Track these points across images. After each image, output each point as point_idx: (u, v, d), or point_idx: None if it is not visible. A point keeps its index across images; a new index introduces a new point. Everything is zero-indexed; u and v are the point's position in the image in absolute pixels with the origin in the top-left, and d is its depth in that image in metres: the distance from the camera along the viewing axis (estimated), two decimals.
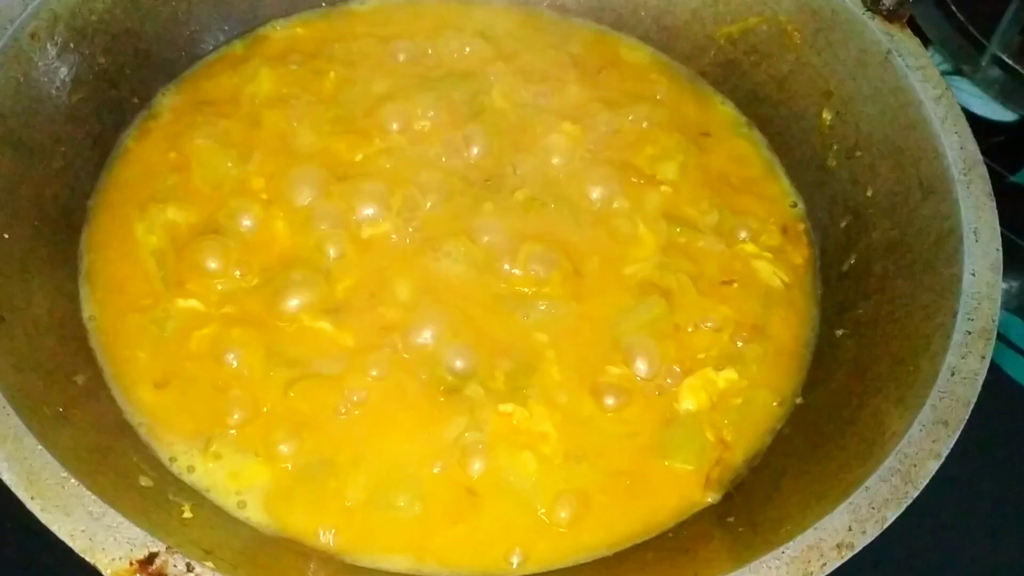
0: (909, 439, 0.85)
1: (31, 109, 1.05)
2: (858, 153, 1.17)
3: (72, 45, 1.11)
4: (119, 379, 0.98)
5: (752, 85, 1.30)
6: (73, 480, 0.75)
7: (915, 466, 0.83)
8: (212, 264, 1.06)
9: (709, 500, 0.97)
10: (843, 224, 1.16)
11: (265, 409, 0.98)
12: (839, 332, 1.09)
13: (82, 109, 1.12)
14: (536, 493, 0.96)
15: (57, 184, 1.07)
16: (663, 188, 1.20)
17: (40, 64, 1.07)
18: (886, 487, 0.82)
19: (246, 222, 1.10)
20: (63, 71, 1.09)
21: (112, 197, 1.12)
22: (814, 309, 1.14)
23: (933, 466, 0.83)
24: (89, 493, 0.75)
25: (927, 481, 0.82)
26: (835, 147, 1.20)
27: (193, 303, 1.03)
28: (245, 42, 1.31)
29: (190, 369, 0.99)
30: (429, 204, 1.14)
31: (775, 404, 1.05)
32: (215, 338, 1.01)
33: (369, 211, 1.12)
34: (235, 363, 1.00)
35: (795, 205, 1.23)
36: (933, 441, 0.85)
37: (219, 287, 1.05)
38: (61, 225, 1.06)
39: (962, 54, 1.65)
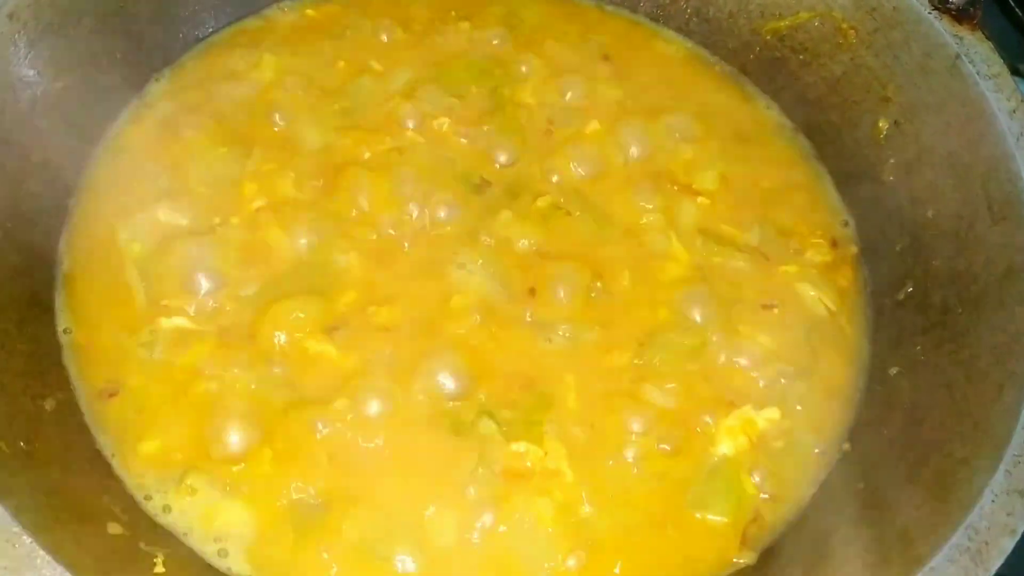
0: (980, 511, 0.74)
1: (8, 96, 0.95)
2: (918, 168, 1.05)
3: (56, 27, 1.00)
4: (93, 403, 0.89)
5: (801, 87, 1.19)
6: (26, 537, 0.66)
7: (987, 544, 0.73)
8: (201, 276, 0.96)
9: (744, 561, 0.87)
10: (899, 247, 1.05)
11: (253, 442, 0.88)
12: (892, 370, 0.98)
13: (66, 98, 1.01)
14: (550, 546, 0.86)
15: (35, 180, 0.97)
16: (700, 199, 1.10)
17: (20, 47, 0.96)
18: (953, 569, 0.71)
19: (240, 228, 1.00)
20: (45, 55, 0.99)
21: (96, 196, 1.02)
22: (864, 341, 1.03)
23: (1008, 544, 0.73)
24: (43, 552, 0.65)
25: (1001, 563, 0.72)
26: (892, 160, 1.08)
27: (179, 321, 0.94)
28: (249, 24, 1.20)
29: (171, 394, 0.90)
30: (442, 210, 1.04)
31: (818, 451, 0.95)
32: (201, 360, 0.92)
33: (377, 216, 1.02)
34: (222, 389, 0.90)
35: (845, 223, 1.12)
36: (1008, 514, 0.74)
37: (209, 303, 0.96)
38: (37, 227, 0.97)
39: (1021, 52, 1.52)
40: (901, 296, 1.03)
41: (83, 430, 0.86)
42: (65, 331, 0.93)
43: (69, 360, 0.91)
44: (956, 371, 0.90)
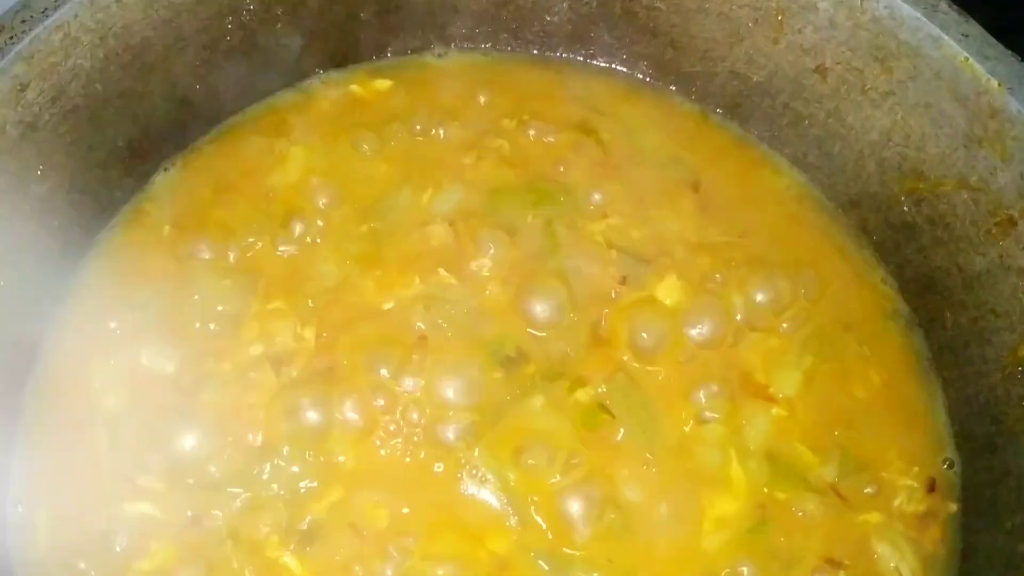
0: None
1: None
2: None
3: (46, 118, 0.85)
4: None
5: (930, 270, 0.96)
6: None
7: None
8: (178, 448, 0.84)
9: None
10: (1011, 524, 0.85)
11: None
12: None
13: (50, 201, 0.88)
14: None
15: (1, 307, 0.84)
16: (775, 411, 0.91)
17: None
18: None
19: (230, 383, 0.87)
20: (29, 152, 0.85)
21: (73, 326, 0.89)
22: None
23: None
24: None
25: None
26: None
27: (147, 508, 0.82)
28: (282, 99, 1.03)
29: None
30: (464, 392, 0.88)
31: None
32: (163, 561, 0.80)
33: (379, 402, 0.87)
34: None
35: (949, 464, 0.91)
36: None
37: (180, 485, 0.83)
38: (5, 368, 0.85)
39: None
40: None
41: None
42: (16, 503, 0.82)
43: (14, 543, 0.80)
44: None
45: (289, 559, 0.81)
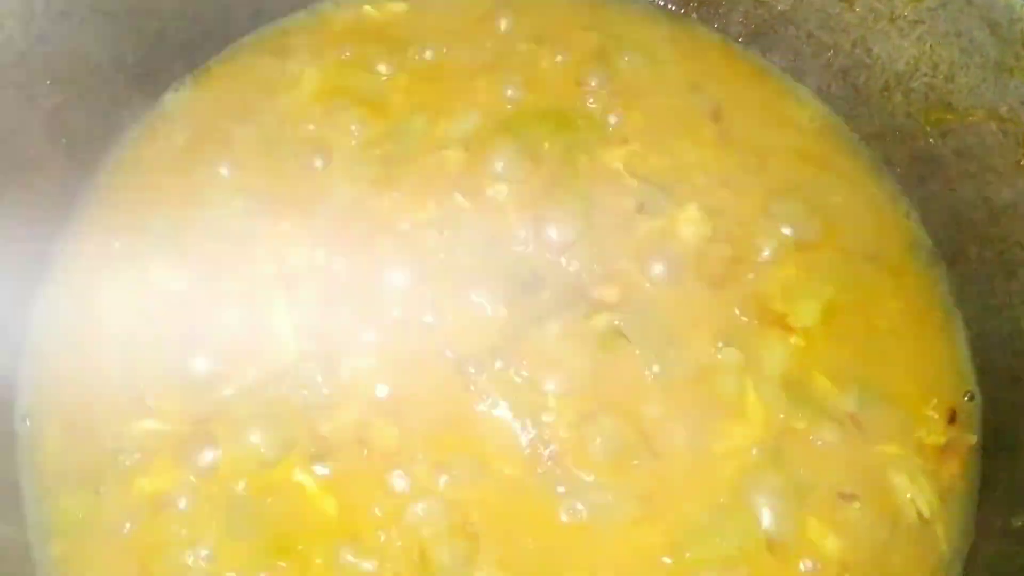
0: None
1: None
2: None
3: (55, 32, 0.83)
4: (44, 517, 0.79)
5: (955, 202, 0.94)
6: None
7: None
8: (191, 369, 0.83)
9: None
10: None
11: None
12: None
13: (63, 117, 0.86)
14: None
15: (9, 223, 0.83)
16: (793, 340, 0.89)
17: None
18: None
19: (236, 313, 0.86)
20: (36, 65, 0.83)
21: (82, 244, 0.88)
22: (955, 571, 0.84)
23: None
24: None
25: None
26: None
27: (154, 424, 0.81)
28: (296, 21, 1.00)
29: (132, 511, 0.79)
30: (479, 313, 0.87)
31: None
32: (167, 478, 0.80)
33: (395, 311, 0.86)
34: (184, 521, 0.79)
35: (970, 396, 0.90)
36: None
37: (189, 401, 0.82)
38: (10, 285, 0.84)
39: None
40: (1019, 523, 0.82)
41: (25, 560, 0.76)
42: (24, 419, 0.82)
43: (22, 457, 0.80)
44: None
45: (302, 476, 0.80)
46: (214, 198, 0.89)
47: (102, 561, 0.78)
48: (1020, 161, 0.88)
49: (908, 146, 0.97)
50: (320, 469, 0.81)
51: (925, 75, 0.94)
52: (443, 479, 0.81)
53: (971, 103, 0.91)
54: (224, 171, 0.91)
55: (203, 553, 0.78)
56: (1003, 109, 0.88)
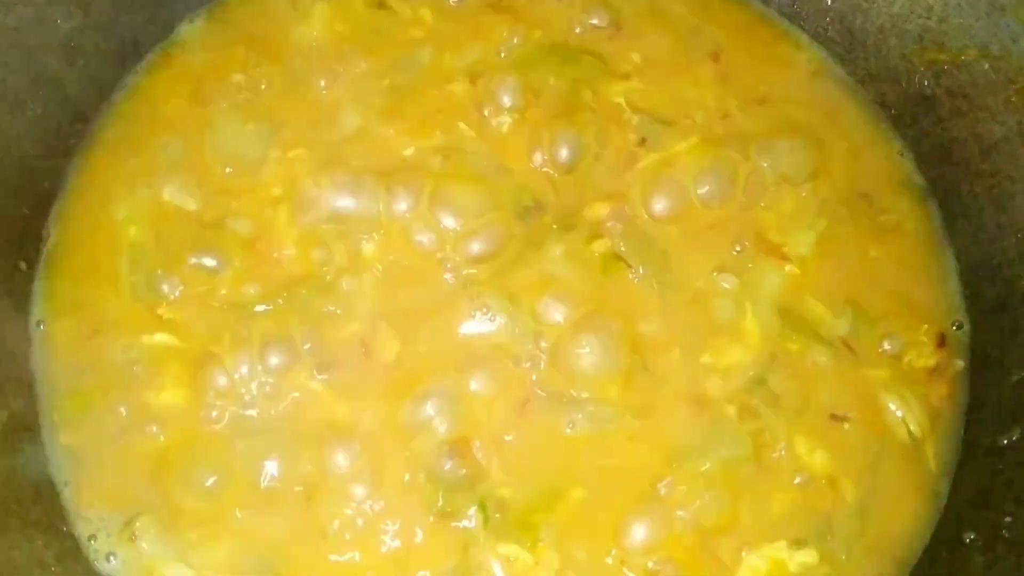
0: None
1: (6, 39, 0.82)
2: None
3: None
4: (56, 416, 0.81)
5: (947, 140, 0.96)
6: None
7: None
8: (202, 281, 0.85)
9: None
10: (1018, 378, 0.86)
11: (220, 499, 0.79)
12: (968, 536, 0.82)
13: (78, 40, 0.88)
14: None
15: (28, 138, 0.86)
16: (788, 268, 0.92)
17: None
18: None
19: (251, 222, 0.88)
20: None
21: (96, 161, 0.90)
22: (943, 487, 0.86)
23: None
24: None
25: None
26: None
27: (164, 337, 0.83)
28: None
29: (140, 419, 0.81)
30: (483, 232, 0.89)
31: None
32: (182, 391, 0.82)
33: (403, 223, 0.88)
34: (198, 432, 0.81)
35: (959, 325, 0.92)
36: None
37: (200, 310, 0.85)
38: (24, 193, 0.86)
39: None
40: (1004, 441, 0.85)
41: (37, 450, 0.78)
42: (38, 324, 0.84)
43: (36, 360, 0.82)
44: None
45: (311, 383, 0.83)
46: (226, 124, 0.92)
47: (110, 462, 0.80)
48: (1011, 98, 0.91)
49: (902, 87, 0.99)
50: (324, 378, 0.83)
51: (920, 17, 0.96)
52: (443, 390, 0.83)
53: (963, 43, 0.93)
54: (237, 99, 0.93)
55: (211, 476, 0.80)
56: (994, 48, 0.91)
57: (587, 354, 0.85)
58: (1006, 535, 0.79)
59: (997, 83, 0.91)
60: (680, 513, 0.81)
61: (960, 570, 0.80)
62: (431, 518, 0.79)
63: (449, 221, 0.89)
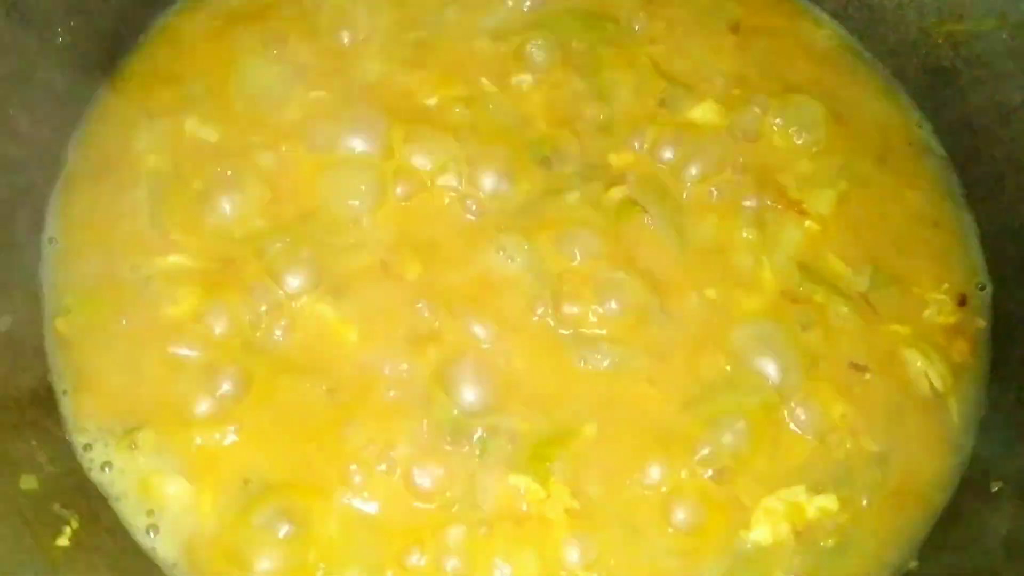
0: None
1: None
2: None
3: None
4: (61, 327, 0.80)
5: (967, 109, 0.97)
6: None
7: None
8: (216, 208, 0.85)
9: None
10: None
11: (224, 411, 0.77)
12: (995, 486, 0.79)
13: None
14: None
15: (55, 65, 0.86)
16: (808, 224, 0.91)
17: None
18: None
19: (271, 157, 0.88)
20: None
21: (121, 94, 0.91)
22: (967, 439, 0.84)
23: None
24: None
25: None
26: None
27: (178, 259, 0.83)
28: None
29: (151, 336, 0.80)
30: (497, 180, 0.89)
31: (878, 561, 0.78)
32: (192, 306, 0.81)
33: (424, 166, 0.88)
34: (207, 345, 0.80)
35: (981, 287, 0.91)
36: None
37: (218, 240, 0.84)
38: (47, 117, 0.86)
39: None
40: None
41: (38, 354, 0.77)
42: (50, 240, 0.83)
43: (45, 273, 0.82)
44: None
45: (321, 307, 0.82)
46: (251, 66, 0.93)
47: (115, 374, 0.79)
48: None
49: (920, 60, 1.00)
50: (341, 303, 0.82)
51: None
52: (463, 325, 0.82)
53: (982, 13, 0.95)
54: (262, 43, 0.94)
55: (225, 386, 0.78)
56: (1013, 16, 0.92)
57: (603, 294, 0.84)
58: None
59: (1016, 50, 0.92)
60: (696, 455, 0.79)
61: (988, 518, 0.77)
62: (441, 443, 0.77)
63: (471, 166, 0.89)
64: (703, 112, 0.96)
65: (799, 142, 0.95)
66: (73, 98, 0.88)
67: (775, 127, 0.95)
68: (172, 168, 0.87)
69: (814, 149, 0.95)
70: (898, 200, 0.94)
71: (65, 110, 0.88)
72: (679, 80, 0.97)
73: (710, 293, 0.86)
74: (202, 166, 0.87)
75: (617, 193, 0.90)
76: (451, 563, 0.72)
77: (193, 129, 0.89)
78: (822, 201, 0.92)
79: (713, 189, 0.92)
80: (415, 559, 0.72)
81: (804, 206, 0.92)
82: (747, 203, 0.91)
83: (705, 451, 0.79)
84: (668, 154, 0.93)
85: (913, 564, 0.78)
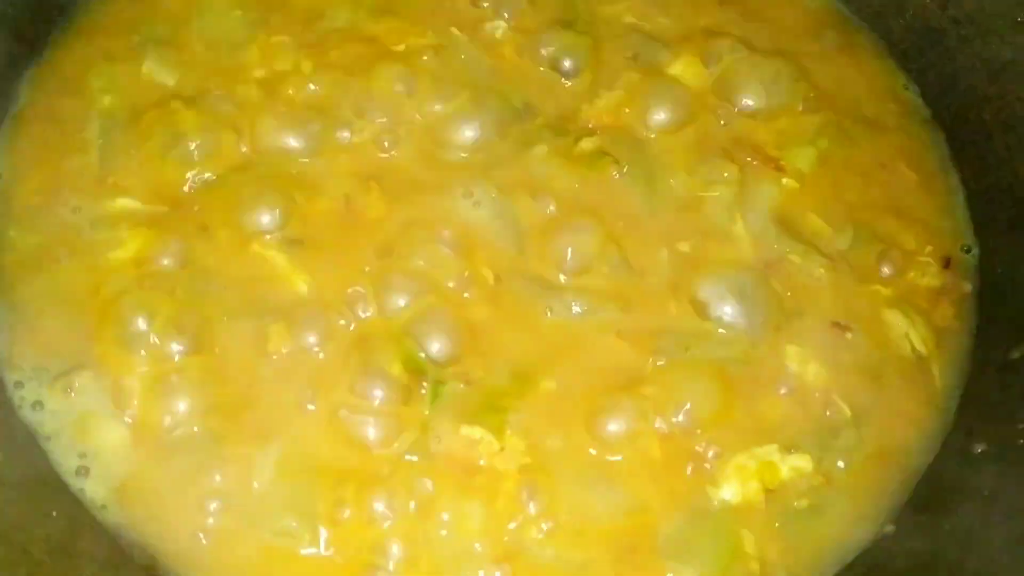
0: None
1: None
2: None
3: None
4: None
5: (953, 69, 0.93)
6: None
7: None
8: (172, 151, 0.82)
9: None
10: None
11: (164, 354, 0.73)
12: (978, 447, 0.75)
13: None
14: (471, 564, 0.68)
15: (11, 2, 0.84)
16: (786, 181, 0.87)
17: None
18: None
19: (228, 102, 0.85)
20: None
21: (78, 35, 0.88)
22: (951, 401, 0.80)
23: None
24: None
25: None
26: None
27: (127, 202, 0.80)
28: None
29: (94, 279, 0.76)
30: (470, 128, 0.85)
31: (851, 525, 0.74)
32: (139, 250, 0.77)
33: (382, 119, 0.85)
34: (152, 287, 0.76)
35: (967, 249, 0.87)
36: None
37: (170, 182, 0.81)
38: (3, 52, 0.83)
39: None
40: (1016, 355, 0.79)
41: None
42: None
43: None
44: None
45: (276, 249, 0.78)
46: (214, 8, 0.90)
47: (53, 315, 0.75)
48: (1018, 19, 0.88)
49: (907, 21, 0.97)
50: (297, 246, 0.78)
51: None
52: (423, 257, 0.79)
53: None
54: None
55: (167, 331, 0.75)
56: None
57: (569, 243, 0.80)
58: (1020, 442, 0.72)
59: (1004, 6, 0.89)
60: (663, 409, 0.75)
61: (970, 480, 0.73)
62: (392, 389, 0.73)
63: (437, 107, 0.85)
64: (681, 68, 0.92)
65: (778, 101, 0.91)
66: (27, 37, 0.85)
67: (753, 85, 0.92)
68: (127, 110, 0.84)
69: (799, 108, 0.91)
70: (882, 161, 0.91)
71: (20, 46, 0.85)
72: (655, 35, 0.94)
73: (682, 247, 0.83)
74: (158, 110, 0.84)
75: (588, 144, 0.86)
76: (379, 507, 0.68)
77: (150, 72, 0.86)
78: (801, 159, 0.89)
79: (687, 143, 0.88)
80: (347, 511, 0.69)
81: (782, 163, 0.88)
82: (722, 159, 0.87)
83: (672, 405, 0.75)
84: (641, 107, 0.89)
85: (890, 528, 0.74)
